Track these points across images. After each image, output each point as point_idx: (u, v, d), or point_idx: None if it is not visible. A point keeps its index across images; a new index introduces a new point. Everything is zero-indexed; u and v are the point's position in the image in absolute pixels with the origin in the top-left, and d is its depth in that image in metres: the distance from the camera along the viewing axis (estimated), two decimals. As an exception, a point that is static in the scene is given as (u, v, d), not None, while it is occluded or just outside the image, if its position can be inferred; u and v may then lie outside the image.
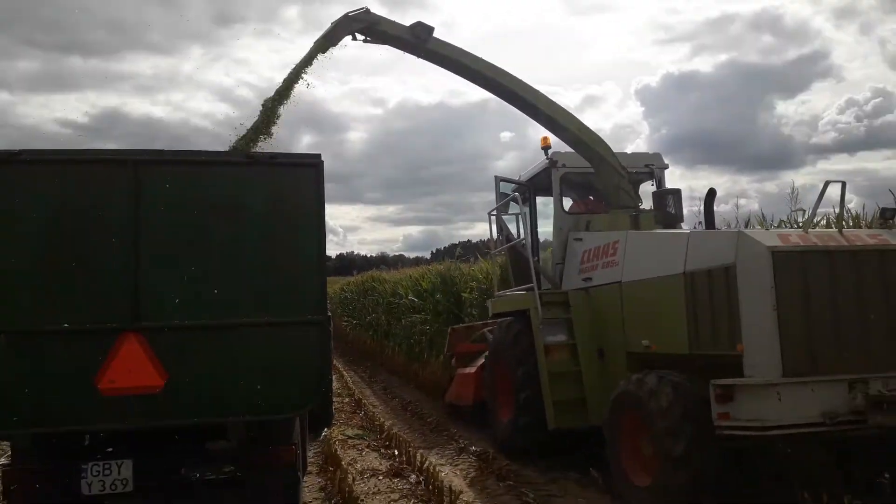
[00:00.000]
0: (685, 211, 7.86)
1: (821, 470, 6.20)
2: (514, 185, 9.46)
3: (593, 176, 8.49)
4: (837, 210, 5.97)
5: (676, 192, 7.67)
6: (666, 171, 8.93)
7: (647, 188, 8.91)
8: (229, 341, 4.64)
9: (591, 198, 8.96)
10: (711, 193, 6.11)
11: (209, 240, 4.69)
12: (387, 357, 18.77)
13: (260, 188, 4.80)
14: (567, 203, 9.07)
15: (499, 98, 8.47)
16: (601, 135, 8.19)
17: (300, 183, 4.84)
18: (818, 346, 5.21)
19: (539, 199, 9.63)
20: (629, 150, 9.55)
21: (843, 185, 5.76)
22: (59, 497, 4.65)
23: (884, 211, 5.99)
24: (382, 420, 10.52)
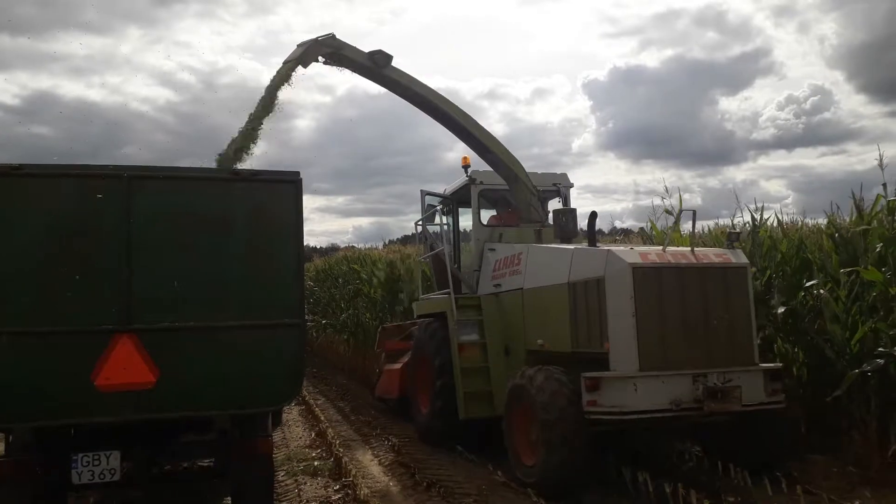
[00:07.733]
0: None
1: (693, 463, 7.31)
2: (438, 198, 10.37)
3: (507, 192, 9.51)
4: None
5: (573, 211, 8.71)
6: (573, 189, 10.02)
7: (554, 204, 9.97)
8: (216, 341, 4.97)
9: (509, 210, 9.94)
10: (593, 215, 7.19)
11: (196, 249, 5.01)
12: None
13: (243, 202, 5.14)
14: (487, 215, 10.05)
15: (444, 127, 9.37)
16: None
17: (280, 197, 5.18)
18: (669, 346, 6.29)
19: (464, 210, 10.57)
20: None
21: (694, 213, 6.92)
22: (50, 487, 4.88)
23: (730, 234, 7.18)
24: None
